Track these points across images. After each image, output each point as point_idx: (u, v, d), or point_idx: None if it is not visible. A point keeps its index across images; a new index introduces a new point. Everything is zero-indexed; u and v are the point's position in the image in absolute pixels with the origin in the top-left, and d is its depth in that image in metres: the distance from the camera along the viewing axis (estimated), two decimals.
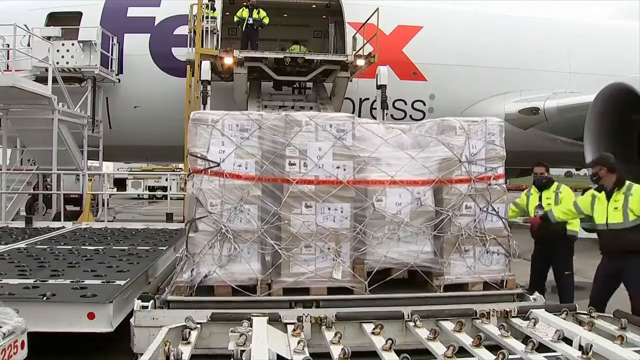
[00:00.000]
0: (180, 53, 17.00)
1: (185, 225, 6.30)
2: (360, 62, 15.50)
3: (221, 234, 5.90)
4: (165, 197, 19.77)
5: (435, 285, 6.27)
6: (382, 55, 15.73)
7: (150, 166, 34.27)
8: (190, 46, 16.16)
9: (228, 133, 6.09)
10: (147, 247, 8.72)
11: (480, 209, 6.45)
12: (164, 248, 8.65)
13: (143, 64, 17.73)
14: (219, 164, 6.01)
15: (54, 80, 15.13)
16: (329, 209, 6.09)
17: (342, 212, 6.12)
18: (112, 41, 17.49)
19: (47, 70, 15.12)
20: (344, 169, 6.15)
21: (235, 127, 6.12)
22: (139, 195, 35.43)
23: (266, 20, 16.53)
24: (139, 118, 17.88)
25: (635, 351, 4.58)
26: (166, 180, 23.06)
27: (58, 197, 15.33)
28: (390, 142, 6.54)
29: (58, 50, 16.45)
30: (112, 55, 17.50)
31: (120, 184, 31.01)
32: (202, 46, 15.38)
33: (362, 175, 6.25)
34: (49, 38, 16.32)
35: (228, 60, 15.15)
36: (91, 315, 5.30)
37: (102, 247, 8.62)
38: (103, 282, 6.14)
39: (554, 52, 19.32)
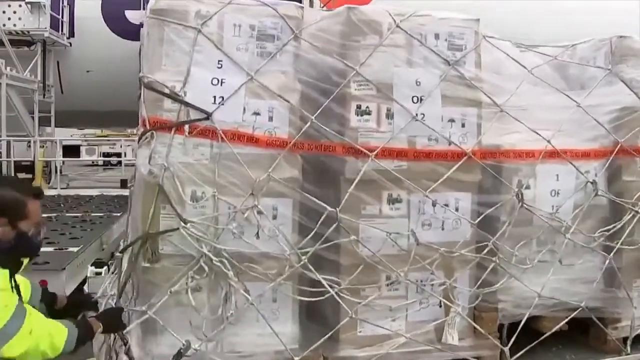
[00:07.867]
0: (134, 16, 16.59)
1: (129, 247, 3.31)
2: None
3: (210, 266, 2.95)
4: (120, 163, 19.54)
5: (612, 338, 3.84)
6: None
7: (105, 132, 33.64)
8: (143, 9, 15.77)
9: (232, 44, 3.02)
10: (102, 214, 8.64)
11: None
12: (119, 214, 8.52)
13: (95, 27, 17.14)
14: (209, 115, 2.97)
15: (1, 43, 14.58)
16: (434, 205, 3.37)
17: (457, 209, 3.43)
18: (63, 3, 16.86)
19: None
20: (462, 125, 3.39)
21: (248, 32, 3.06)
22: (93, 162, 34.81)
23: None
24: (92, 83, 17.41)
25: None
26: (121, 146, 22.74)
27: (8, 164, 14.93)
28: (535, 74, 3.83)
29: (4, 12, 15.83)
30: (62, 17, 16.91)
31: (73, 150, 30.30)
32: None
33: (494, 141, 3.56)
34: None
35: None
36: (43, 283, 5.24)
37: (54, 215, 8.49)
38: (55, 249, 6.06)
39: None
